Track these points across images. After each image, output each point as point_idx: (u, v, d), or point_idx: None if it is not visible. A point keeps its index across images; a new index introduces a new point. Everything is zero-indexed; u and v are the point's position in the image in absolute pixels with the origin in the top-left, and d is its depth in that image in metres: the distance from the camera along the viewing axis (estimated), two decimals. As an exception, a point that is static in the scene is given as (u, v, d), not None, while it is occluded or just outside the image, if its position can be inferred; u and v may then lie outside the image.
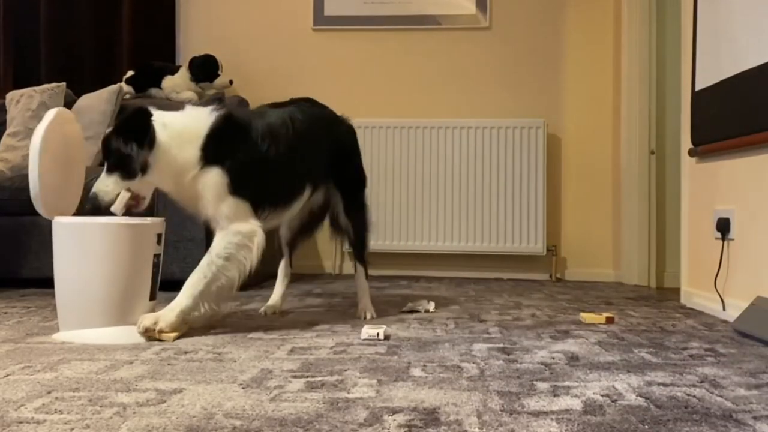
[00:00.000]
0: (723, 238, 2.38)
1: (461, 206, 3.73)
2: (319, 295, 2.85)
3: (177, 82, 3.68)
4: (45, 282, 2.41)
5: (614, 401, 1.24)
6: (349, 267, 3.87)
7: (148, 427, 1.06)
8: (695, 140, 2.61)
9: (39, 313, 2.24)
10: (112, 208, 1.85)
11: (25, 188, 2.99)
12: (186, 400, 1.21)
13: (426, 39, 3.92)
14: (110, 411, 1.14)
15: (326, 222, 2.41)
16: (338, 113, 2.36)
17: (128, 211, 1.88)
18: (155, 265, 1.89)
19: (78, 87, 3.61)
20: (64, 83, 3.51)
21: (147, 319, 1.76)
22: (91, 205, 1.87)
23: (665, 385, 1.37)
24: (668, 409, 1.19)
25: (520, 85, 3.87)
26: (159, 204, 2.70)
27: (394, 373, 1.44)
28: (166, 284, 2.06)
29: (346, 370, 1.46)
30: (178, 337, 1.79)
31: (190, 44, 4.00)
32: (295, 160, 2.06)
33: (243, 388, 1.30)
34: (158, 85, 3.71)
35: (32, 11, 4.00)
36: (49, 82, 3.56)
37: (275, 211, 2.03)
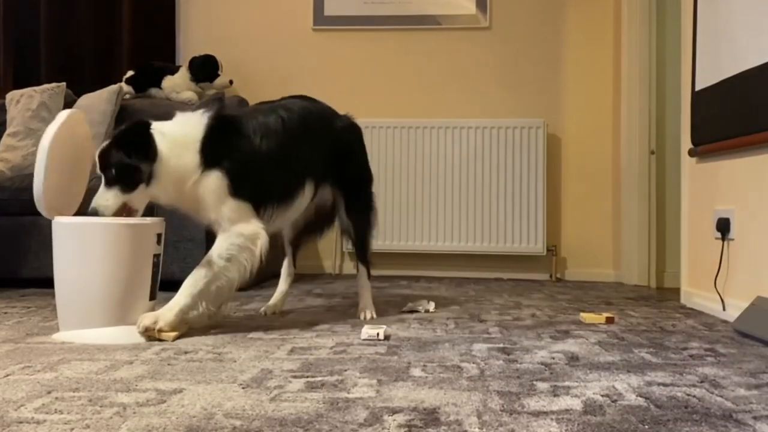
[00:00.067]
0: (723, 238, 2.38)
1: (461, 206, 3.73)
2: (319, 295, 2.85)
3: (177, 82, 3.68)
4: (45, 282, 2.41)
5: (614, 401, 1.24)
6: (349, 267, 3.88)
7: (148, 427, 1.06)
8: (695, 140, 2.61)
9: (39, 313, 2.24)
10: None
11: (26, 188, 3.01)
12: (186, 400, 1.21)
13: (426, 39, 3.92)
14: (110, 411, 1.14)
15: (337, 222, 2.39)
16: (340, 112, 2.33)
17: None
18: (155, 265, 1.89)
19: (78, 87, 3.61)
20: (64, 83, 3.51)
21: (147, 319, 1.76)
22: None
23: (665, 385, 1.37)
24: (668, 409, 1.19)
25: (520, 85, 3.87)
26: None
27: (394, 373, 1.44)
28: (166, 284, 2.06)
29: (346, 370, 1.46)
30: (178, 337, 1.79)
31: (190, 44, 4.00)
32: (291, 157, 2.05)
33: (243, 388, 1.30)
34: (158, 85, 3.71)
35: (32, 11, 4.00)
36: (49, 82, 3.56)
37: (277, 209, 2.02)
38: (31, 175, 3.11)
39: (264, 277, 3.15)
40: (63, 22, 3.99)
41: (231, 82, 3.75)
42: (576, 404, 1.22)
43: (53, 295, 1.84)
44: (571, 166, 3.84)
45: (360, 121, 2.42)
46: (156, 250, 1.89)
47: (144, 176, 1.83)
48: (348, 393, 1.27)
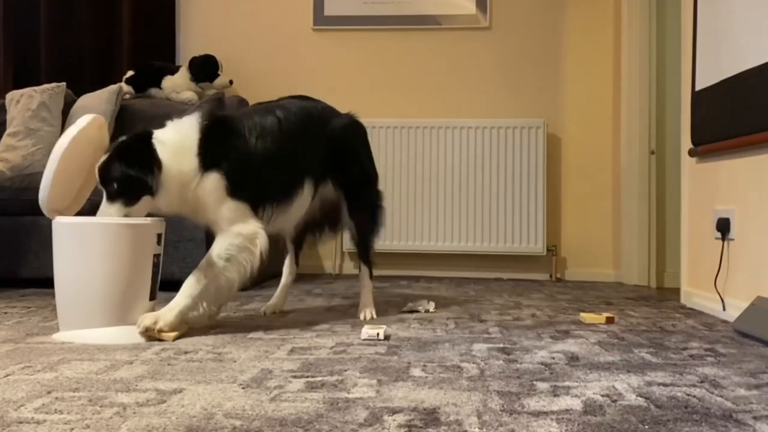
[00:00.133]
0: (723, 238, 2.38)
1: (461, 206, 3.73)
2: (319, 295, 2.85)
3: (177, 82, 3.68)
4: (45, 282, 2.41)
5: (614, 401, 1.24)
6: (349, 267, 3.88)
7: (148, 427, 1.06)
8: (695, 140, 2.61)
9: (39, 313, 2.24)
10: None
11: (26, 188, 3.02)
12: (186, 400, 1.21)
13: (426, 39, 3.92)
14: (110, 411, 1.14)
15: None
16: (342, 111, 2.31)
17: None
18: (155, 265, 1.89)
19: (78, 87, 3.61)
20: (64, 83, 3.51)
21: (147, 319, 1.76)
22: None
23: (665, 385, 1.37)
24: (668, 409, 1.19)
25: (520, 85, 3.87)
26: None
27: (394, 373, 1.44)
28: (166, 284, 2.06)
29: (346, 370, 1.46)
30: (178, 337, 1.80)
31: (190, 44, 4.00)
32: (287, 157, 2.04)
33: (243, 388, 1.30)
34: (158, 85, 3.71)
35: (32, 11, 4.00)
36: (49, 82, 3.56)
37: (276, 209, 2.01)
38: (31, 175, 3.14)
39: (264, 277, 3.15)
40: (63, 22, 3.99)
41: (231, 82, 3.75)
42: (576, 404, 1.22)
43: (53, 295, 1.84)
44: (571, 166, 3.84)
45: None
46: (156, 250, 1.89)
47: (148, 189, 1.82)
48: (348, 393, 1.27)
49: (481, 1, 3.87)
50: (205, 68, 3.68)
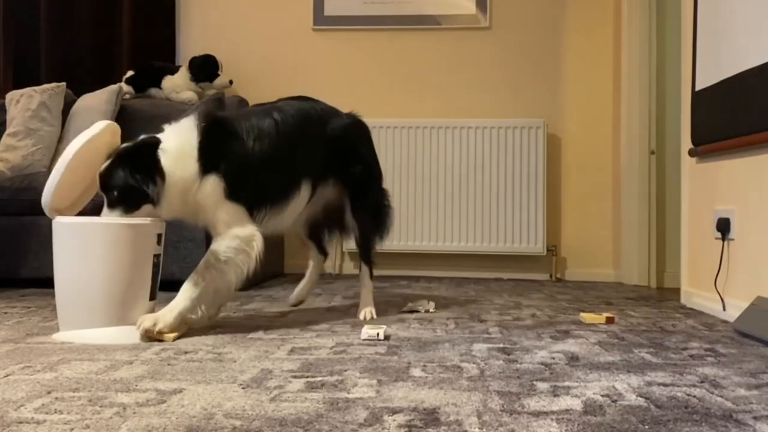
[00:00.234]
0: (723, 238, 2.38)
1: (461, 206, 3.73)
2: (319, 295, 2.85)
3: (177, 82, 3.68)
4: (45, 282, 2.41)
5: (614, 401, 1.24)
6: (349, 267, 3.88)
7: (148, 427, 1.06)
8: (695, 140, 2.61)
9: (39, 313, 2.24)
10: None
11: (26, 188, 3.02)
12: (186, 400, 1.21)
13: (426, 39, 3.92)
14: (110, 411, 1.14)
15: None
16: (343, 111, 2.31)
17: None
18: (155, 265, 1.89)
19: (78, 87, 3.61)
20: (64, 83, 3.51)
21: (146, 321, 1.76)
22: None
23: (665, 385, 1.37)
24: (668, 409, 1.19)
25: (520, 85, 3.87)
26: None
27: (394, 373, 1.44)
28: (166, 284, 2.06)
29: (346, 370, 1.46)
30: (178, 337, 1.80)
31: (190, 44, 4.00)
32: (284, 159, 2.03)
33: (243, 388, 1.30)
34: (158, 85, 3.71)
35: (32, 11, 4.00)
36: (49, 82, 3.56)
37: (271, 210, 2.01)
38: (31, 175, 3.14)
39: (264, 277, 3.16)
40: (63, 22, 3.99)
41: (231, 82, 3.75)
42: (576, 404, 1.22)
43: (53, 295, 1.84)
44: (571, 166, 3.84)
45: (360, 121, 2.40)
46: (156, 250, 1.89)
47: (151, 198, 1.81)
48: (348, 393, 1.27)
49: (481, 1, 3.87)
50: (205, 68, 3.68)
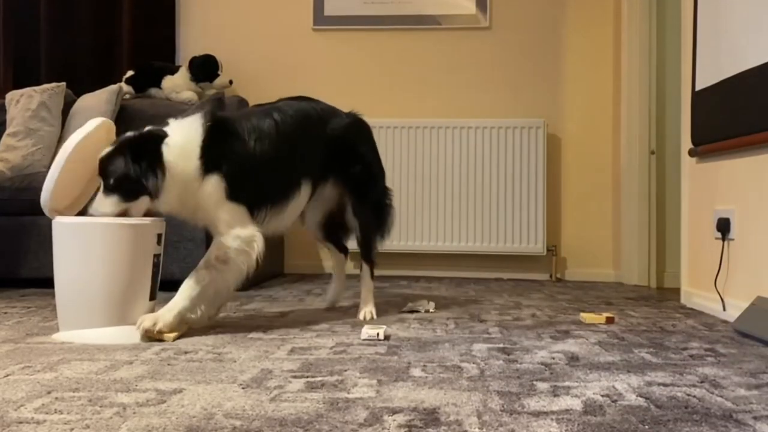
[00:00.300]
0: (723, 238, 2.38)
1: (461, 206, 3.73)
2: (319, 295, 2.85)
3: (177, 82, 3.68)
4: (45, 282, 2.41)
5: (614, 401, 1.24)
6: (349, 267, 3.86)
7: (148, 427, 1.06)
8: (695, 140, 2.61)
9: (39, 313, 2.24)
10: None
11: (26, 188, 3.02)
12: (186, 400, 1.21)
13: (426, 39, 3.92)
14: (110, 411, 1.14)
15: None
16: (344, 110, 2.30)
17: None
18: (155, 265, 1.89)
19: (78, 87, 3.61)
20: (64, 83, 3.51)
21: (146, 321, 1.76)
22: None
23: (665, 385, 1.37)
24: (668, 409, 1.19)
25: (520, 85, 3.87)
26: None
27: (394, 373, 1.44)
28: (166, 284, 2.06)
29: (346, 370, 1.46)
30: (178, 337, 1.80)
31: (190, 44, 4.00)
32: (284, 158, 2.03)
33: (243, 388, 1.30)
34: (158, 85, 3.71)
35: (32, 11, 4.00)
36: (49, 82, 3.56)
37: (272, 211, 2.01)
38: (31, 175, 3.14)
39: (264, 277, 3.15)
40: (63, 22, 3.99)
41: (231, 82, 3.75)
42: (576, 404, 1.22)
43: (53, 295, 1.84)
44: (571, 166, 3.84)
45: (360, 121, 2.39)
46: (156, 250, 1.89)
47: (150, 191, 1.81)
48: (348, 393, 1.27)
49: (481, 1, 3.87)
50: (205, 68, 3.68)
